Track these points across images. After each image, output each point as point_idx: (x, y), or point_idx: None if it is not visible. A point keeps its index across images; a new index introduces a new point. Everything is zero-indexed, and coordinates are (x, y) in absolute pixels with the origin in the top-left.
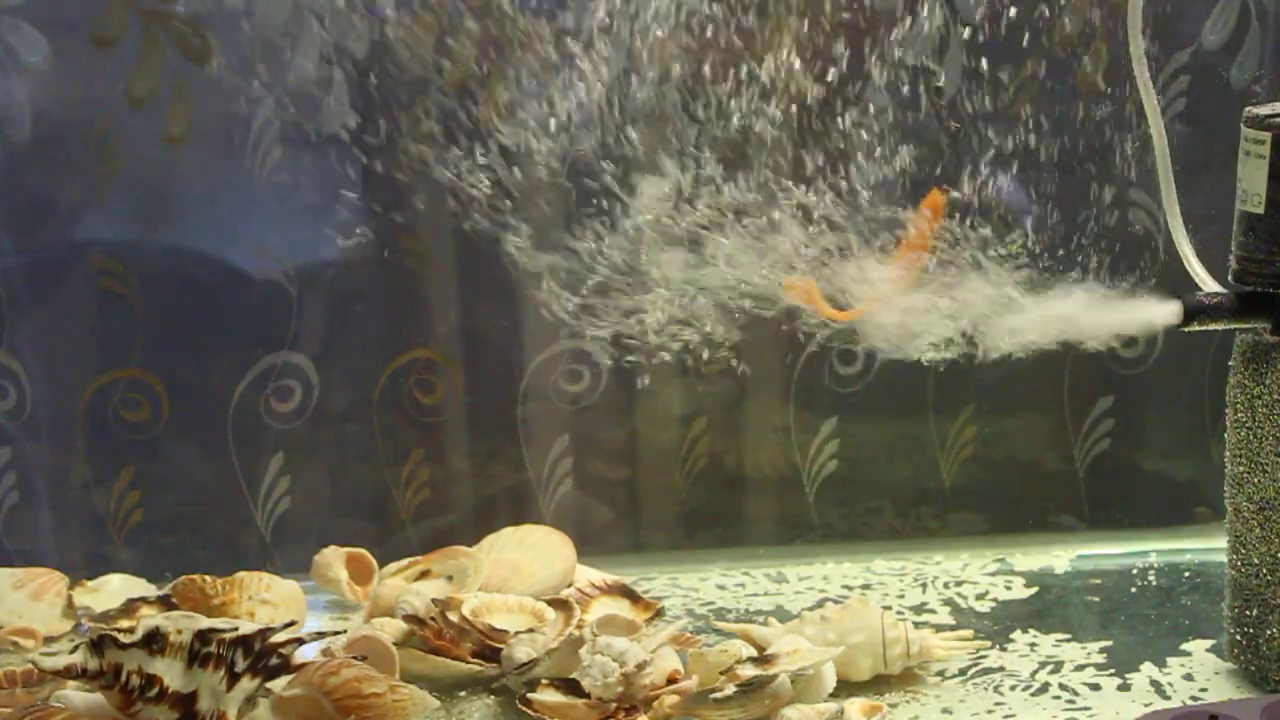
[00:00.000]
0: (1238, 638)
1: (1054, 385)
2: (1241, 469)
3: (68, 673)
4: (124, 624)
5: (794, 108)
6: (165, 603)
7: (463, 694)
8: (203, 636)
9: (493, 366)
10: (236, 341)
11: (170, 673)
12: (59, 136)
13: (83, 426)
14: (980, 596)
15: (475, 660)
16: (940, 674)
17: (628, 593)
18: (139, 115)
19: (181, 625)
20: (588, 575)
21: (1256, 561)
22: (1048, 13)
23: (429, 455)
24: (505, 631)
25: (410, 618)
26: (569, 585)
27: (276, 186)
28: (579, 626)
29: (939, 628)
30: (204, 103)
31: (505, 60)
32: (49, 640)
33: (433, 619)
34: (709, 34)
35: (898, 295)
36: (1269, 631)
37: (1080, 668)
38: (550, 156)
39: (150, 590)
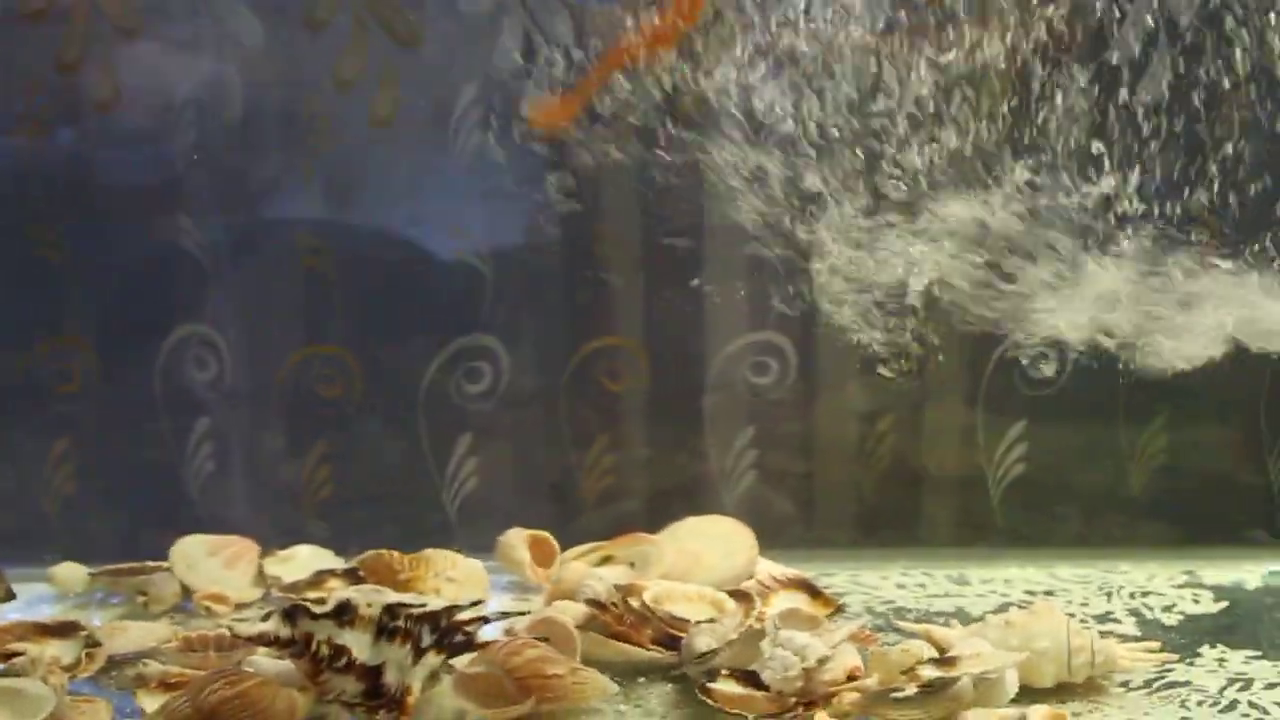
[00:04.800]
0: None
1: (1251, 396)
2: None
3: (261, 639)
4: (311, 595)
5: None
6: (352, 575)
7: (642, 680)
8: (391, 611)
9: (680, 356)
10: (430, 322)
11: (358, 645)
12: (269, 117)
13: (279, 400)
14: (1167, 609)
15: (655, 647)
16: (1124, 685)
17: (808, 587)
18: (346, 97)
19: (371, 599)
20: (768, 568)
21: None
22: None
23: (614, 441)
24: (686, 620)
25: (592, 602)
26: (749, 577)
27: (475, 170)
28: (759, 619)
29: (1124, 638)
30: (410, 86)
31: (709, 48)
32: (239, 607)
33: (614, 604)
34: None
35: None
36: None
37: (1271, 686)
38: (750, 148)
39: (338, 563)
